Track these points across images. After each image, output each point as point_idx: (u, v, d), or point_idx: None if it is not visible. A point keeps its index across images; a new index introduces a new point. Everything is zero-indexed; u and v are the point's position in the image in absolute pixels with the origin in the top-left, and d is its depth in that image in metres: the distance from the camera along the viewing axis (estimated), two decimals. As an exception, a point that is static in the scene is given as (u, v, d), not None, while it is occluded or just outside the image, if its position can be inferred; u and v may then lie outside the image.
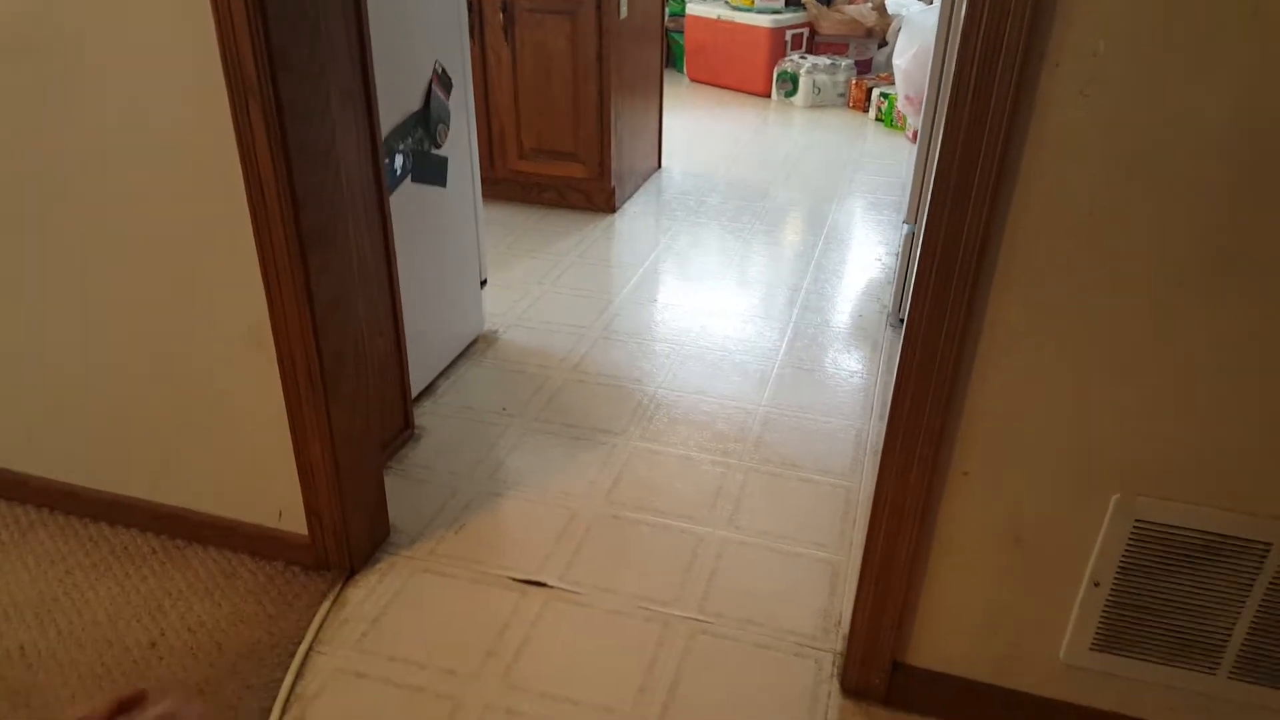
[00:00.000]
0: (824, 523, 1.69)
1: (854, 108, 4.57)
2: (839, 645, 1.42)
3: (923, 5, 3.47)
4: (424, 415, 1.98)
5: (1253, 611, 1.09)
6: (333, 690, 1.33)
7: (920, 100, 2.54)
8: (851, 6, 4.81)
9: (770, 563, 1.60)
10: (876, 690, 1.31)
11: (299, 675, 1.35)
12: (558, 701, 1.32)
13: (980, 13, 0.89)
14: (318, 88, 1.26)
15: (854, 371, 2.22)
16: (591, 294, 2.57)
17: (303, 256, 1.27)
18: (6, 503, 1.69)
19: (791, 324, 2.43)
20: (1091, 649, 1.17)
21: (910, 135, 4.04)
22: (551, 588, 1.53)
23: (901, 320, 2.16)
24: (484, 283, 2.27)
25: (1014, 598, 1.18)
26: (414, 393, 1.93)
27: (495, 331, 2.35)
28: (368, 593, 1.51)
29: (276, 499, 1.51)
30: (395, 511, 1.67)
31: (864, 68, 4.75)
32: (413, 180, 1.83)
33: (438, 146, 1.90)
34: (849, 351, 2.31)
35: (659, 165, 3.62)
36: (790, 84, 4.62)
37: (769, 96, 4.73)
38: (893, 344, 2.31)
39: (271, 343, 1.35)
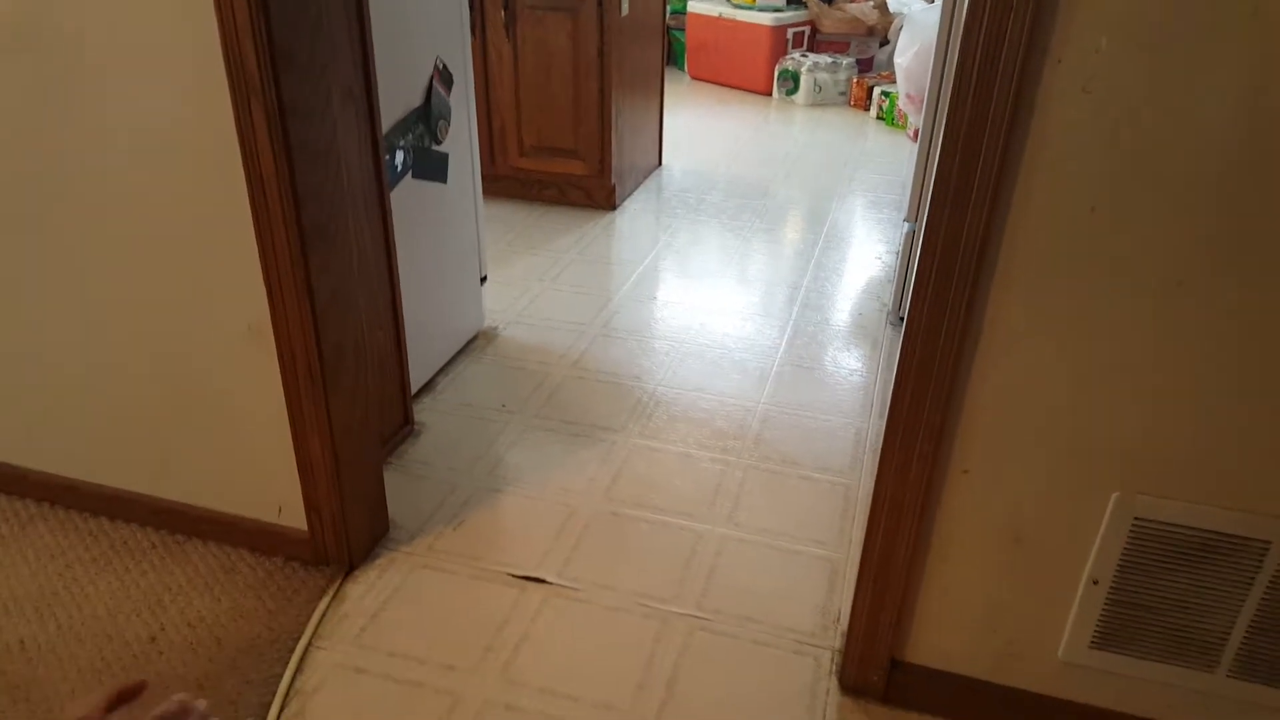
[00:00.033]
0: (823, 520, 1.69)
1: (855, 106, 4.57)
2: (837, 642, 1.42)
3: (924, 3, 3.46)
4: (423, 411, 1.98)
5: (1252, 610, 1.09)
6: (332, 685, 1.33)
7: (921, 98, 2.53)
8: (853, 5, 4.81)
9: (769, 560, 1.60)
10: (875, 688, 1.31)
11: (298, 670, 1.35)
12: (556, 697, 1.32)
13: (983, 8, 0.89)
14: (319, 86, 1.26)
15: (854, 369, 2.22)
16: (591, 291, 2.57)
17: (303, 254, 1.27)
18: (6, 497, 1.69)
19: (791, 322, 2.43)
20: (1090, 647, 1.17)
21: (911, 134, 4.04)
22: (550, 584, 1.53)
23: (901, 318, 2.16)
24: (484, 279, 2.27)
25: (1013, 595, 1.18)
26: (414, 389, 1.93)
27: (495, 328, 2.35)
28: (367, 588, 1.51)
29: (276, 494, 1.51)
30: (394, 507, 1.67)
31: (865, 66, 4.75)
32: (413, 176, 1.83)
33: (438, 143, 1.90)
34: (849, 349, 2.31)
35: (659, 163, 3.62)
36: (791, 82, 4.62)
37: (770, 95, 4.73)
38: (892, 342, 2.31)
39: (272, 339, 1.35)
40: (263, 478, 1.50)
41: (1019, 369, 1.05)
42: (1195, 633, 1.12)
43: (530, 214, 3.08)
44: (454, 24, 1.91)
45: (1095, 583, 1.13)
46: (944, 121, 0.96)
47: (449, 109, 1.92)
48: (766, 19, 4.57)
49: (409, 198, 1.81)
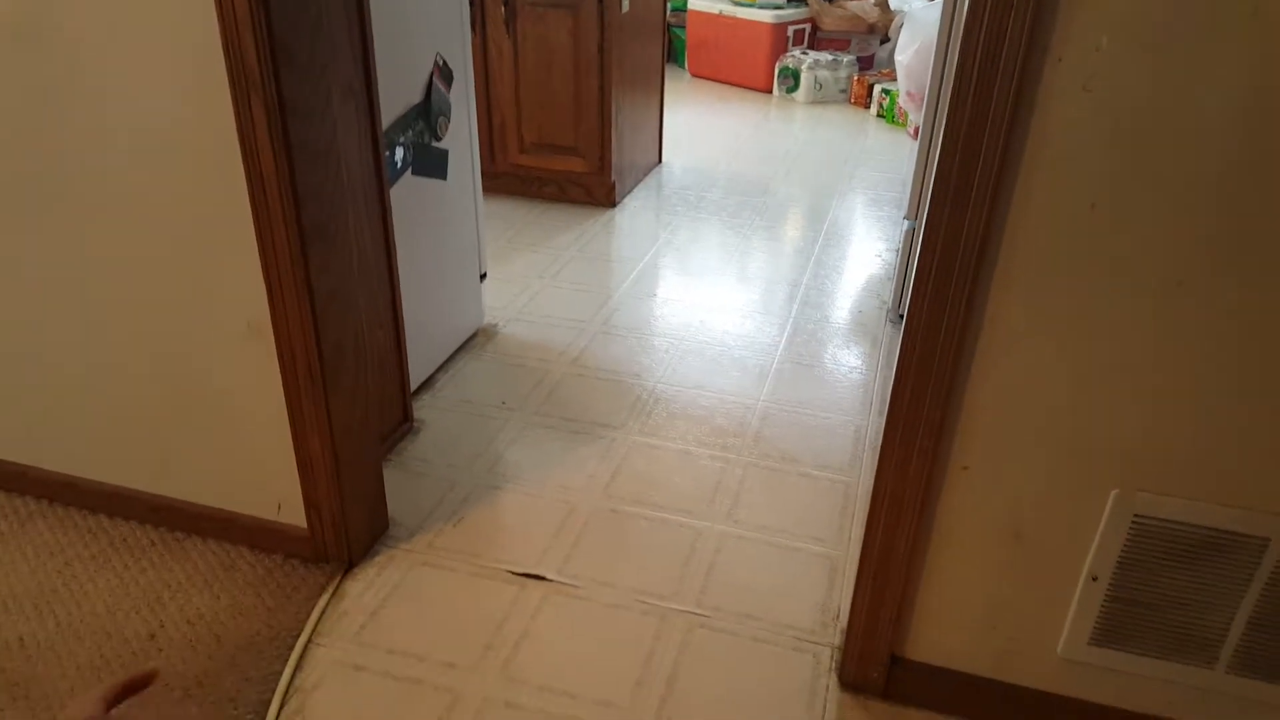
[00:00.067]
0: (822, 517, 1.69)
1: (855, 104, 4.57)
2: (837, 639, 1.42)
3: (925, 1, 3.46)
4: (423, 408, 1.98)
5: (1250, 606, 1.09)
6: (331, 682, 1.33)
7: (922, 96, 2.53)
8: (853, 2, 4.80)
9: (769, 557, 1.60)
10: (875, 684, 1.31)
11: (298, 667, 1.35)
12: (556, 695, 1.32)
13: (984, 6, 0.88)
14: (319, 83, 1.26)
15: (853, 367, 2.22)
16: (591, 288, 2.57)
17: (303, 252, 1.27)
18: (5, 494, 1.69)
19: (791, 319, 2.43)
20: (1090, 643, 1.17)
21: (911, 131, 4.04)
22: (550, 581, 1.53)
23: (901, 316, 2.16)
24: (484, 276, 2.27)
25: (1013, 592, 1.18)
26: (413, 386, 1.93)
27: (495, 325, 2.35)
28: (366, 585, 1.51)
29: (276, 492, 1.51)
30: (394, 505, 1.67)
31: (866, 64, 4.74)
32: (413, 173, 1.83)
33: (438, 139, 1.90)
34: (848, 347, 2.31)
35: (659, 160, 3.62)
36: (792, 80, 4.61)
37: (770, 92, 4.72)
38: (892, 340, 2.31)
39: (271, 337, 1.35)
40: (262, 475, 1.50)
41: (1019, 366, 1.05)
42: (1194, 629, 1.12)
43: (530, 211, 3.08)
44: (454, 20, 1.90)
45: (1095, 579, 1.13)
46: (944, 119, 0.96)
47: (449, 105, 1.91)
48: (767, 16, 4.56)
49: (409, 195, 1.81)
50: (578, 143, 3.02)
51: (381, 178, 1.61)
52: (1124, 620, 1.14)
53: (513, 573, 1.54)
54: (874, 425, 1.97)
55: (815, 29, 4.82)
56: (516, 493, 1.74)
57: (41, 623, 1.42)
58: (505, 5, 2.84)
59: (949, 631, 1.24)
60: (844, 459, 1.86)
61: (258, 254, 1.29)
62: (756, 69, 4.70)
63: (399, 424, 1.87)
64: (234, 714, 1.27)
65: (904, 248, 2.29)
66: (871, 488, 1.18)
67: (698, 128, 4.13)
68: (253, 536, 1.56)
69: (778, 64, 4.65)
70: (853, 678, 1.32)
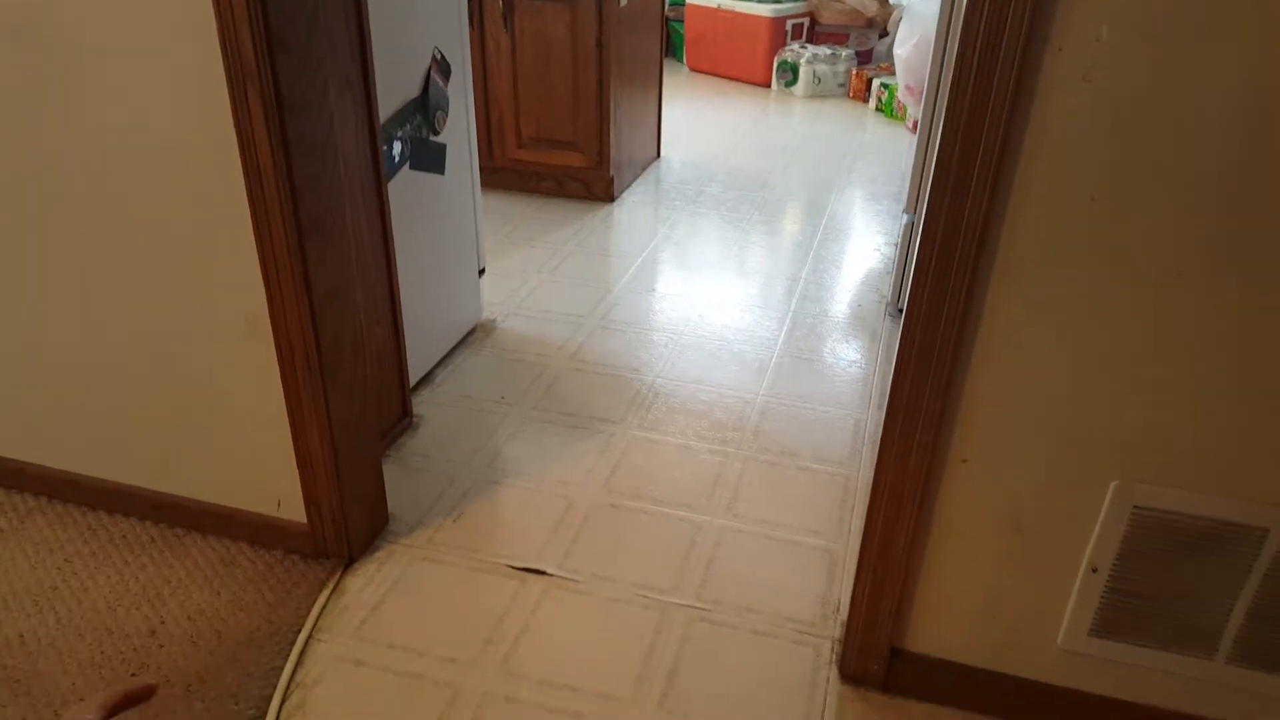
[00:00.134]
0: (822, 511, 1.69)
1: (854, 98, 4.56)
2: (837, 632, 1.42)
3: (923, -6, 3.45)
4: (422, 404, 1.98)
5: (1250, 597, 1.09)
6: (332, 677, 1.33)
7: (921, 90, 2.53)
8: (851, -4, 4.79)
9: (768, 551, 1.60)
10: (875, 676, 1.31)
11: (299, 663, 1.35)
12: (556, 689, 1.32)
13: (982, -4, 0.88)
14: (316, 75, 1.26)
15: (852, 361, 2.22)
16: (590, 283, 2.57)
17: (301, 245, 1.27)
18: (5, 491, 1.69)
19: (790, 313, 2.43)
20: (1089, 635, 1.17)
21: (910, 125, 4.03)
22: (550, 576, 1.53)
23: (900, 310, 2.16)
24: (482, 271, 2.27)
25: (1013, 584, 1.19)
26: (412, 381, 1.93)
27: (493, 320, 2.34)
28: (366, 581, 1.51)
29: (275, 487, 1.51)
30: (394, 500, 1.67)
31: (864, 58, 4.73)
32: (411, 168, 1.83)
33: (436, 134, 1.89)
34: (847, 341, 2.31)
35: (658, 155, 3.61)
36: (790, 74, 4.61)
37: (769, 86, 4.71)
38: (891, 333, 2.31)
39: (270, 331, 1.35)
40: (262, 471, 1.50)
41: (1018, 357, 1.05)
42: (1194, 620, 1.13)
43: (528, 206, 3.08)
44: (451, 14, 1.90)
45: (1094, 571, 1.13)
46: (944, 110, 0.95)
47: (447, 100, 1.91)
48: (765, 10, 4.55)
49: (406, 189, 1.81)
50: (576, 137, 3.01)
51: (379, 172, 1.61)
52: (1124, 611, 1.15)
53: (513, 567, 1.54)
54: (873, 418, 1.97)
55: (814, 23, 4.81)
56: (516, 488, 1.74)
57: (42, 619, 1.42)
58: (503, -1, 2.83)
59: (949, 624, 1.24)
60: (843, 452, 1.86)
61: (255, 248, 1.28)
62: (755, 63, 4.69)
63: (398, 419, 1.87)
64: (235, 709, 1.27)
65: (903, 242, 2.29)
66: (871, 481, 1.18)
67: (696, 122, 4.13)
68: (253, 532, 1.56)
69: (776, 58, 4.64)
70: (853, 670, 1.32)
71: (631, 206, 3.13)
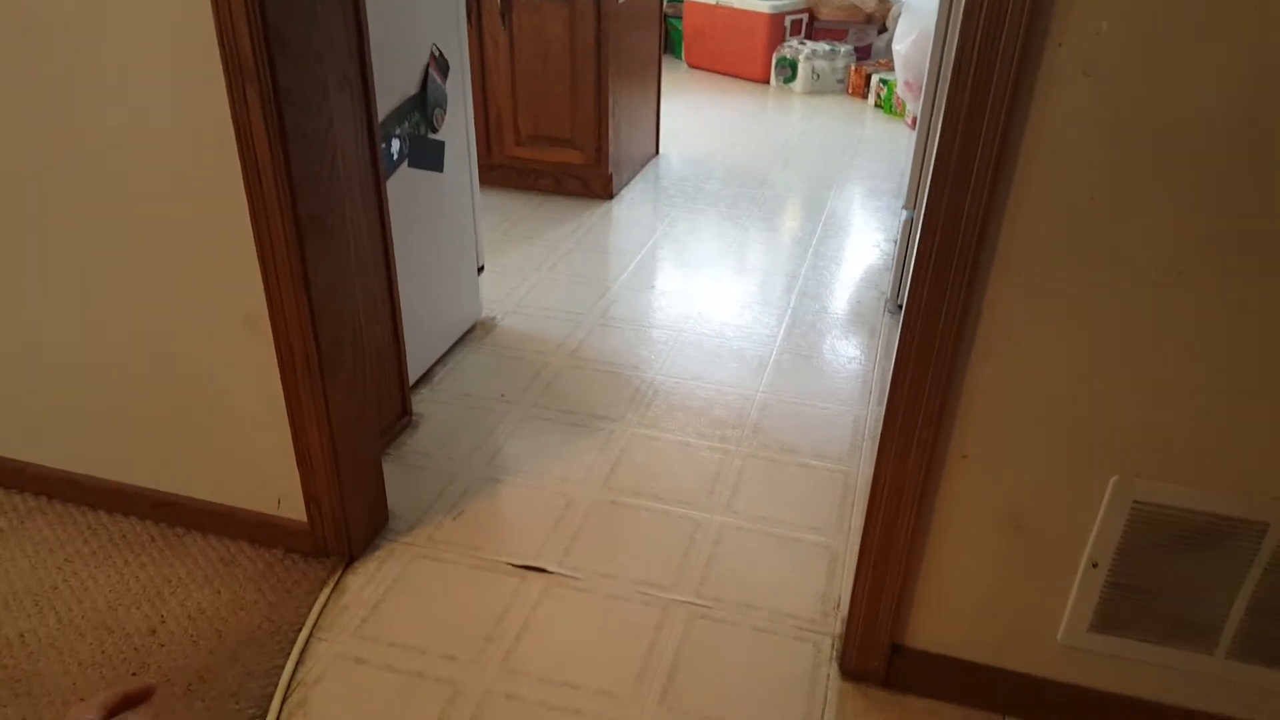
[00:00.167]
0: (822, 507, 1.69)
1: (853, 94, 4.55)
2: (837, 628, 1.42)
3: (921, -11, 3.44)
4: (422, 402, 1.98)
5: (1250, 592, 1.09)
6: (333, 676, 1.33)
7: (920, 86, 2.52)
8: (850, -9, 4.78)
9: (768, 547, 1.60)
10: (875, 672, 1.31)
11: (299, 661, 1.35)
12: (557, 686, 1.32)
13: (982, -9, 0.88)
14: (314, 72, 1.25)
15: (852, 357, 2.22)
16: (589, 280, 2.57)
17: (300, 243, 1.27)
18: (4, 491, 1.69)
19: (789, 310, 2.43)
20: (1090, 630, 1.17)
21: (909, 121, 4.03)
22: (550, 573, 1.53)
23: (900, 306, 2.16)
24: (481, 269, 2.26)
25: (1013, 580, 1.19)
26: (412, 380, 1.93)
27: (493, 318, 2.34)
28: (367, 579, 1.51)
29: (275, 486, 1.51)
30: (394, 498, 1.67)
31: (863, 54, 4.73)
32: (409, 165, 1.82)
33: (435, 131, 1.89)
34: (847, 337, 2.31)
35: (657, 151, 3.60)
36: (789, 70, 4.60)
37: (768, 83, 4.71)
38: (891, 330, 2.31)
39: (269, 329, 1.35)
40: (262, 470, 1.50)
41: (1019, 353, 1.05)
42: (1194, 615, 1.13)
43: (527, 203, 3.07)
44: (450, 11, 1.89)
45: (1094, 566, 1.13)
46: (944, 105, 0.95)
47: (445, 97, 1.90)
48: (764, 6, 4.55)
49: (405, 187, 1.81)
50: (574, 134, 3.01)
51: (378, 169, 1.61)
52: (1124, 606, 1.15)
53: (513, 565, 1.54)
54: (873, 415, 1.97)
55: (812, 19, 4.80)
56: (516, 485, 1.74)
57: (42, 619, 1.42)
58: (500, -4, 2.83)
59: (949, 620, 1.24)
60: (843, 449, 1.86)
61: (254, 246, 1.28)
62: (754, 59, 4.69)
63: (398, 418, 1.87)
64: (236, 708, 1.27)
65: (902, 238, 2.29)
66: (871, 477, 1.18)
67: (695, 119, 4.12)
68: (253, 531, 1.56)
69: (775, 54, 4.63)
70: (853, 666, 1.33)
71: (630, 203, 3.13)
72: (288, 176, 1.22)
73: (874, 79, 4.38)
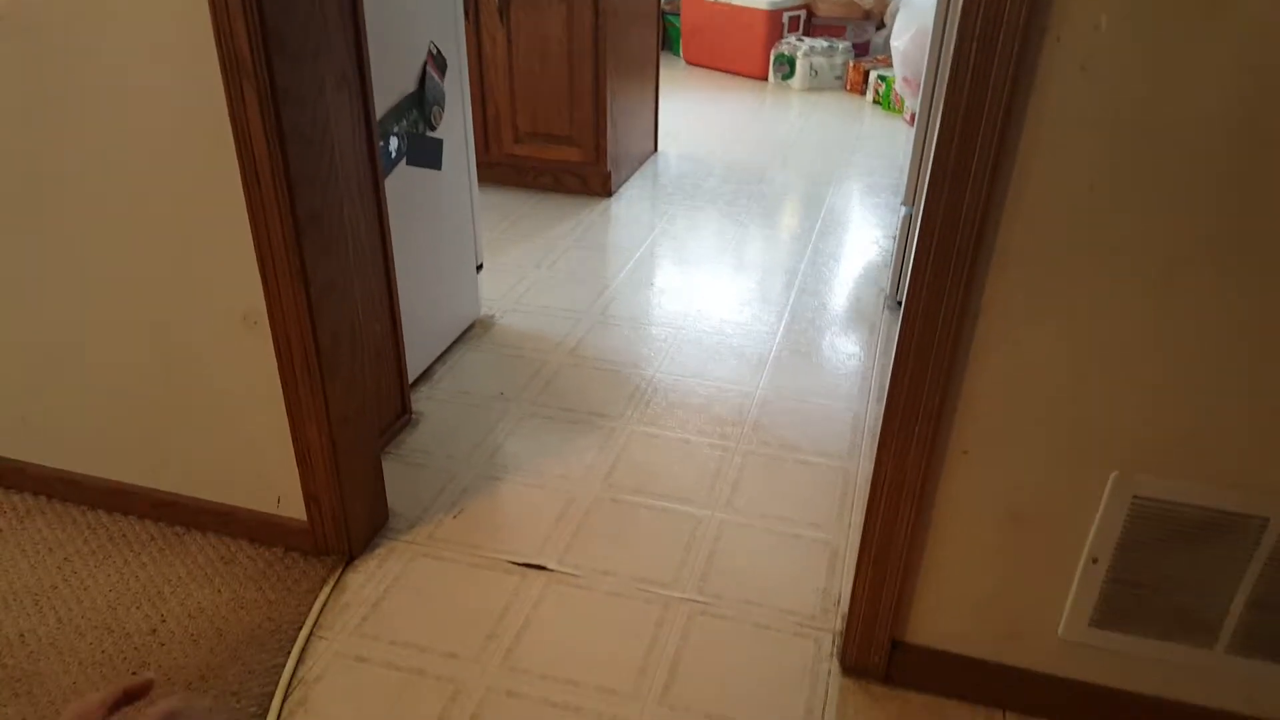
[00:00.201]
0: (822, 504, 1.69)
1: (851, 91, 4.55)
2: (838, 624, 1.42)
3: (920, -15, 3.44)
4: (421, 400, 1.98)
5: (1250, 586, 1.09)
6: (334, 674, 1.33)
7: (918, 82, 2.52)
8: (848, -12, 4.77)
9: (768, 544, 1.60)
10: (876, 668, 1.31)
11: (300, 660, 1.35)
12: (558, 683, 1.32)
13: (980, -14, 0.88)
14: (312, 71, 1.25)
15: (851, 354, 2.22)
16: (588, 278, 2.57)
17: (298, 240, 1.27)
18: (4, 490, 1.69)
19: (789, 307, 2.43)
20: (1090, 625, 1.17)
21: (908, 118, 4.03)
22: (551, 571, 1.53)
23: (899, 302, 2.16)
24: (480, 267, 2.26)
25: (1013, 575, 1.19)
26: (411, 378, 1.93)
27: (492, 316, 2.34)
28: (367, 577, 1.51)
29: (275, 485, 1.51)
30: (393, 497, 1.67)
31: (861, 50, 4.72)
32: (408, 163, 1.82)
33: (433, 129, 1.89)
34: (846, 334, 2.31)
35: (655, 149, 3.60)
36: (787, 67, 4.59)
37: (766, 79, 4.70)
38: (890, 326, 2.31)
39: (268, 327, 1.34)
40: (261, 468, 1.50)
41: (1018, 349, 1.05)
42: (1194, 610, 1.13)
43: (525, 201, 3.07)
44: (447, 9, 1.89)
45: (1095, 561, 1.13)
46: (942, 101, 0.95)
47: (443, 94, 1.90)
48: (762, 3, 4.54)
49: (403, 185, 1.80)
50: (573, 132, 3.00)
51: (376, 167, 1.61)
52: (1124, 602, 1.15)
53: (513, 563, 1.55)
54: (872, 411, 1.97)
55: (810, 15, 4.79)
56: (516, 483, 1.74)
57: (42, 618, 1.42)
58: (498, -6, 2.82)
59: (950, 615, 1.25)
60: (843, 446, 1.86)
61: (253, 245, 1.28)
62: (752, 56, 4.68)
63: (397, 416, 1.87)
64: (237, 707, 1.27)
65: (901, 234, 2.29)
66: (870, 474, 1.18)
67: (693, 116, 4.12)
68: (253, 530, 1.56)
69: (773, 51, 4.62)
70: (854, 662, 1.33)
71: (629, 201, 3.13)
72: (286, 175, 1.22)
73: (872, 75, 4.37)
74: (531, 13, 2.84)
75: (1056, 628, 1.20)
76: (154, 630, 1.40)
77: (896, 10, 3.70)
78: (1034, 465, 1.11)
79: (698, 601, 1.47)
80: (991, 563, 1.19)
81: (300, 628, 1.40)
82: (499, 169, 3.13)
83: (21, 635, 1.39)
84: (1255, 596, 1.10)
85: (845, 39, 4.69)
